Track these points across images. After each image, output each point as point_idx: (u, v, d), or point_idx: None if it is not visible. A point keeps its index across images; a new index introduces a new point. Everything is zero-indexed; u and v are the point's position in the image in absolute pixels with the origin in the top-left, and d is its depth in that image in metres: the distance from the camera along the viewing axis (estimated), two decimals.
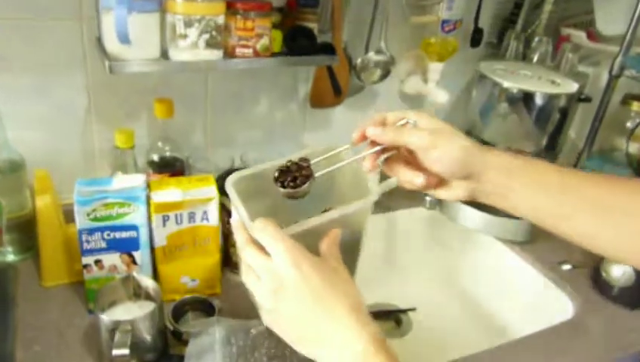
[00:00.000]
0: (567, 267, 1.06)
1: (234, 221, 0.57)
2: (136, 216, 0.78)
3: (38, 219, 0.84)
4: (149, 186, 0.81)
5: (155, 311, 0.71)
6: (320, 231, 0.55)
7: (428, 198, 1.24)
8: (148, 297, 0.76)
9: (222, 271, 0.90)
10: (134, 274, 0.75)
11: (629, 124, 1.14)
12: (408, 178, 0.58)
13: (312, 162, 0.57)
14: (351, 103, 1.19)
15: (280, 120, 1.16)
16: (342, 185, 0.65)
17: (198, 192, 0.81)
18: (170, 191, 0.80)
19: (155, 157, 0.98)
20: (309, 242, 0.52)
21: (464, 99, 1.33)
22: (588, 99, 1.08)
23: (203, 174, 0.87)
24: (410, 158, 0.58)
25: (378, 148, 0.57)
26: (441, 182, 0.59)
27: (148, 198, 0.79)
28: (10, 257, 0.93)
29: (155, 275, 0.85)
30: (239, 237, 0.55)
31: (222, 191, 0.84)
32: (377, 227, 1.23)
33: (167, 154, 0.98)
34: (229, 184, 0.59)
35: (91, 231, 0.78)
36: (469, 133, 1.24)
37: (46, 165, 0.89)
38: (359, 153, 0.59)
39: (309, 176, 0.56)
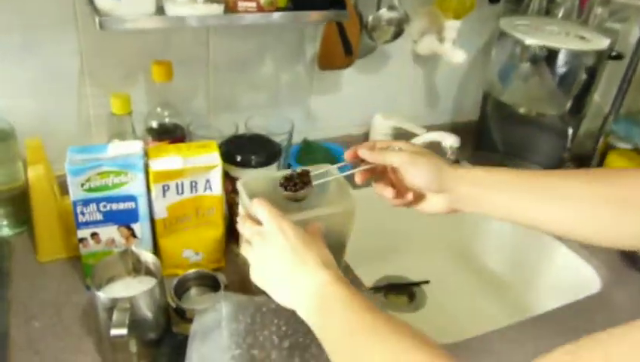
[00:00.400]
0: None
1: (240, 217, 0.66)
2: (133, 185, 0.73)
3: (30, 190, 0.78)
4: (147, 154, 0.75)
5: (155, 288, 0.66)
6: (301, 224, 0.64)
7: None
8: (148, 272, 0.71)
9: (227, 244, 0.85)
10: (133, 248, 0.70)
11: None
12: (384, 192, 0.68)
13: (312, 173, 0.69)
14: (361, 65, 1.12)
15: (286, 83, 1.09)
16: (331, 194, 0.77)
17: (200, 159, 0.75)
18: (170, 159, 0.74)
19: (154, 124, 0.92)
20: None
21: (482, 60, 1.25)
22: (620, 57, 1.01)
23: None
24: (395, 181, 0.69)
25: (368, 166, 0.68)
26: (420, 197, 0.68)
27: (146, 166, 0.73)
28: (5, 231, 0.88)
29: (156, 249, 0.80)
30: (240, 218, 0.65)
31: (225, 159, 0.78)
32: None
33: (167, 120, 0.92)
34: (240, 184, 0.70)
35: (86, 203, 0.72)
36: (487, 95, 1.17)
37: (38, 134, 0.84)
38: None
39: (307, 183, 0.68)
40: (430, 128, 1.13)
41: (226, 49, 1.00)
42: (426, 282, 1.19)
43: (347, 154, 0.69)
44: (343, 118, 1.21)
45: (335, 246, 0.71)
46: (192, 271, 0.76)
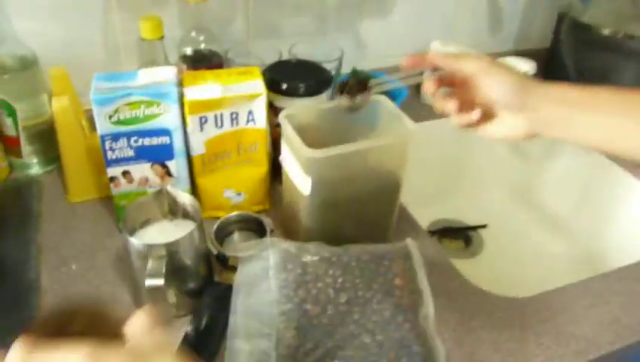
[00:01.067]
0: None
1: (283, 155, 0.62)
2: (167, 117, 0.64)
3: (56, 125, 0.71)
4: (181, 82, 0.66)
5: (194, 232, 0.58)
6: (353, 157, 0.62)
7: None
8: (186, 215, 0.64)
9: (271, 184, 0.76)
10: (168, 188, 0.62)
11: None
12: (448, 105, 0.57)
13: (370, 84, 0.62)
14: None
15: (334, 4, 0.97)
16: (383, 124, 0.70)
17: (241, 87, 0.66)
18: (207, 87, 0.65)
19: (189, 51, 0.82)
20: (340, 165, 0.62)
21: None
22: None
23: None
24: (463, 97, 0.58)
25: (436, 73, 0.59)
26: (490, 117, 0.57)
27: (181, 96, 0.64)
28: (35, 170, 0.81)
29: (194, 189, 0.72)
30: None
31: (270, 87, 0.69)
32: (443, 131, 1.07)
33: (203, 46, 0.83)
34: (284, 116, 0.63)
35: (115, 137, 0.64)
36: (562, 16, 1.02)
37: (63, 63, 0.75)
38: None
39: (366, 90, 0.62)
40: (495, 57, 0.99)
41: None
42: (484, 226, 1.10)
43: (408, 61, 0.59)
44: (395, 46, 1.08)
45: (389, 185, 0.68)
46: (234, 213, 0.68)
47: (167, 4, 0.84)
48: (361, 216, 0.68)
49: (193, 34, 0.81)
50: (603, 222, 0.99)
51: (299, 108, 0.66)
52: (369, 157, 0.64)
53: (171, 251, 0.56)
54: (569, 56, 1.04)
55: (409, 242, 0.64)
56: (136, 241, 0.56)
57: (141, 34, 0.75)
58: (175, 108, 0.64)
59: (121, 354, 0.31)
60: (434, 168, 1.05)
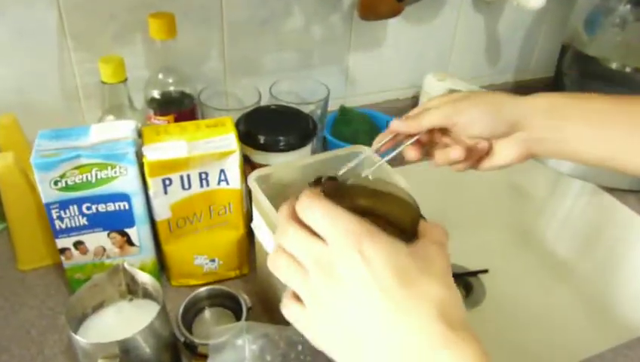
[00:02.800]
0: None
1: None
2: (124, 181, 0.55)
3: (0, 184, 0.62)
4: (141, 136, 0.57)
5: (154, 322, 0.49)
6: None
7: None
8: (147, 294, 0.54)
9: (250, 247, 0.67)
10: (125, 265, 0.53)
11: None
12: (452, 154, 0.54)
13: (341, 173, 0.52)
14: (410, 14, 0.91)
15: (319, 37, 0.89)
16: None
17: (211, 143, 0.57)
18: (171, 144, 0.56)
19: (156, 94, 0.73)
20: None
21: (564, 4, 1.02)
22: None
23: (221, 114, 0.63)
24: (450, 143, 0.56)
25: (412, 139, 0.55)
26: (488, 151, 0.54)
27: (140, 155, 0.55)
28: None
29: (161, 257, 0.63)
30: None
31: (245, 140, 0.60)
32: (441, 171, 0.99)
33: (172, 88, 0.74)
34: (253, 179, 0.54)
35: (64, 205, 0.55)
36: (566, 48, 0.95)
37: (13, 109, 0.66)
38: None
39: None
40: (492, 89, 0.92)
41: None
42: (485, 271, 1.01)
43: (374, 148, 0.56)
44: (387, 80, 1.00)
45: None
46: (204, 288, 0.59)
47: (131, 42, 0.76)
48: None
49: (160, 75, 0.73)
50: (610, 263, 0.91)
51: (277, 167, 0.57)
52: None
53: (126, 348, 0.47)
54: (573, 90, 0.97)
55: None
56: (82, 340, 0.46)
57: (101, 77, 0.67)
58: (133, 171, 0.55)
59: None
60: (429, 210, 0.97)
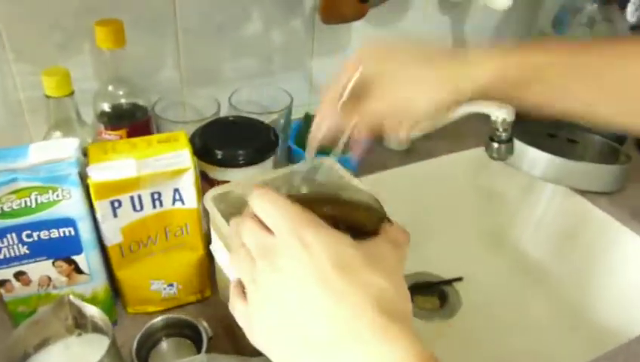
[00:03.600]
0: None
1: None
2: (68, 204, 0.50)
3: None
4: (86, 155, 0.53)
5: (104, 360, 0.44)
6: None
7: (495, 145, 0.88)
8: (96, 328, 0.50)
9: (212, 268, 0.63)
10: (70, 298, 0.48)
11: None
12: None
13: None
14: (375, 17, 0.88)
15: (279, 43, 0.85)
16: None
17: (163, 161, 0.53)
18: (118, 163, 0.52)
19: (106, 107, 0.69)
20: None
21: (531, 4, 1.01)
22: None
23: (177, 126, 0.59)
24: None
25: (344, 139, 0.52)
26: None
27: (84, 176, 0.51)
28: None
29: (114, 284, 0.58)
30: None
31: (202, 155, 0.56)
32: (411, 178, 0.96)
33: (123, 100, 0.69)
34: (209, 198, 0.50)
35: (0, 234, 0.50)
36: None
37: None
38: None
39: None
40: None
41: (198, 0, 0.76)
42: (459, 279, 0.99)
43: (310, 152, 0.52)
44: None
45: None
46: (159, 318, 0.55)
47: (77, 52, 0.71)
48: None
49: (110, 87, 0.68)
50: (586, 267, 0.90)
51: (236, 184, 0.53)
52: None
53: None
54: None
55: None
56: None
57: (45, 90, 0.62)
58: (77, 193, 0.50)
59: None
60: (400, 219, 0.94)
